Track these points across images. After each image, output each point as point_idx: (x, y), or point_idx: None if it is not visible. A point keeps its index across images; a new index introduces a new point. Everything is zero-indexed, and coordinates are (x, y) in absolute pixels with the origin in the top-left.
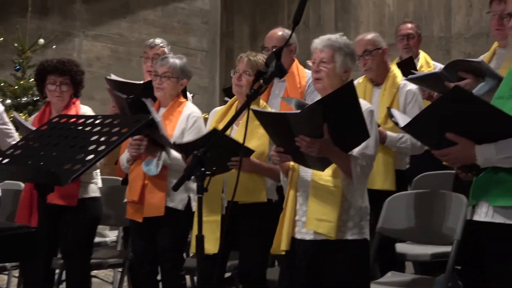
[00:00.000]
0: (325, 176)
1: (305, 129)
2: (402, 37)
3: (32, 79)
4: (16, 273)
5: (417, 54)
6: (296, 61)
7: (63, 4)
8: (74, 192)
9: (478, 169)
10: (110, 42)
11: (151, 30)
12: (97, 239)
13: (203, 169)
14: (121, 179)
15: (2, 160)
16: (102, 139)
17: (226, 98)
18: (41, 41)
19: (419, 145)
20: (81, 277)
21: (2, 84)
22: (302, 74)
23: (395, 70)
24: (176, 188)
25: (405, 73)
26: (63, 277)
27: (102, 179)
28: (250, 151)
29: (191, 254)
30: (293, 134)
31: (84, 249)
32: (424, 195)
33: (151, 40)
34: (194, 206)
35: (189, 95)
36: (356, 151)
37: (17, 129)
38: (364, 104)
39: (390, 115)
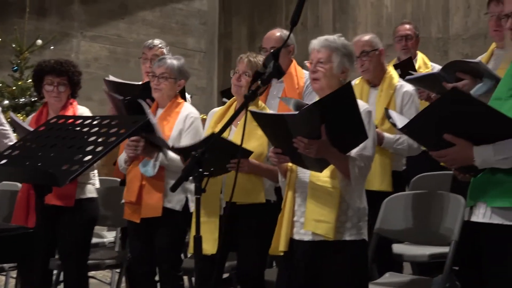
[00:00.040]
0: (323, 177)
1: (303, 131)
2: (401, 38)
3: (30, 80)
4: (14, 274)
5: (415, 55)
6: (294, 62)
7: (61, 5)
8: (71, 192)
9: (476, 170)
10: (108, 43)
11: (149, 31)
12: (95, 240)
13: (201, 169)
14: (119, 180)
15: (0, 161)
16: (100, 140)
17: (225, 99)
18: (39, 41)
19: (415, 147)
20: (78, 277)
21: (0, 85)
22: (300, 75)
23: (391, 71)
24: (174, 189)
25: (404, 74)
26: (61, 278)
27: (100, 180)
28: (248, 152)
29: (189, 255)
30: (291, 136)
31: (81, 250)
32: (422, 196)
33: (150, 41)
34: (192, 207)
35: (188, 96)
36: (354, 152)
37: (14, 130)
38: (362, 105)
39: (388, 116)
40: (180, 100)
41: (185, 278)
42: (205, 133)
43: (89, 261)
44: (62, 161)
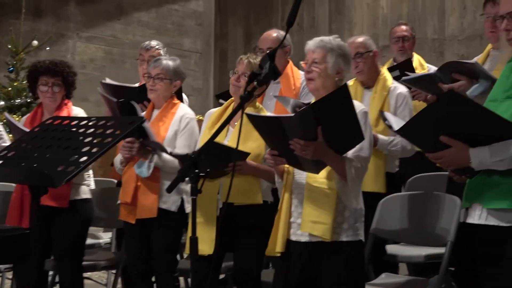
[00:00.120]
0: (320, 178)
1: (299, 132)
2: (397, 39)
3: (26, 81)
4: (9, 275)
5: (411, 56)
6: (290, 62)
7: (57, 5)
8: (66, 193)
9: (472, 172)
10: (104, 44)
11: (145, 32)
12: (90, 241)
13: (197, 170)
14: (116, 181)
15: None
16: (96, 141)
17: (221, 101)
18: (35, 42)
19: (409, 148)
20: (73, 278)
21: None
22: (296, 75)
23: (385, 73)
24: (170, 189)
25: (404, 75)
26: (57, 279)
27: (96, 181)
28: (245, 154)
29: (185, 256)
30: (287, 137)
31: (76, 251)
32: (418, 197)
33: (147, 42)
34: (188, 207)
35: (185, 96)
36: (350, 153)
37: (10, 131)
38: (358, 105)
39: (383, 118)
40: (176, 101)
41: (181, 279)
42: (202, 134)
43: (85, 262)
44: (58, 162)
